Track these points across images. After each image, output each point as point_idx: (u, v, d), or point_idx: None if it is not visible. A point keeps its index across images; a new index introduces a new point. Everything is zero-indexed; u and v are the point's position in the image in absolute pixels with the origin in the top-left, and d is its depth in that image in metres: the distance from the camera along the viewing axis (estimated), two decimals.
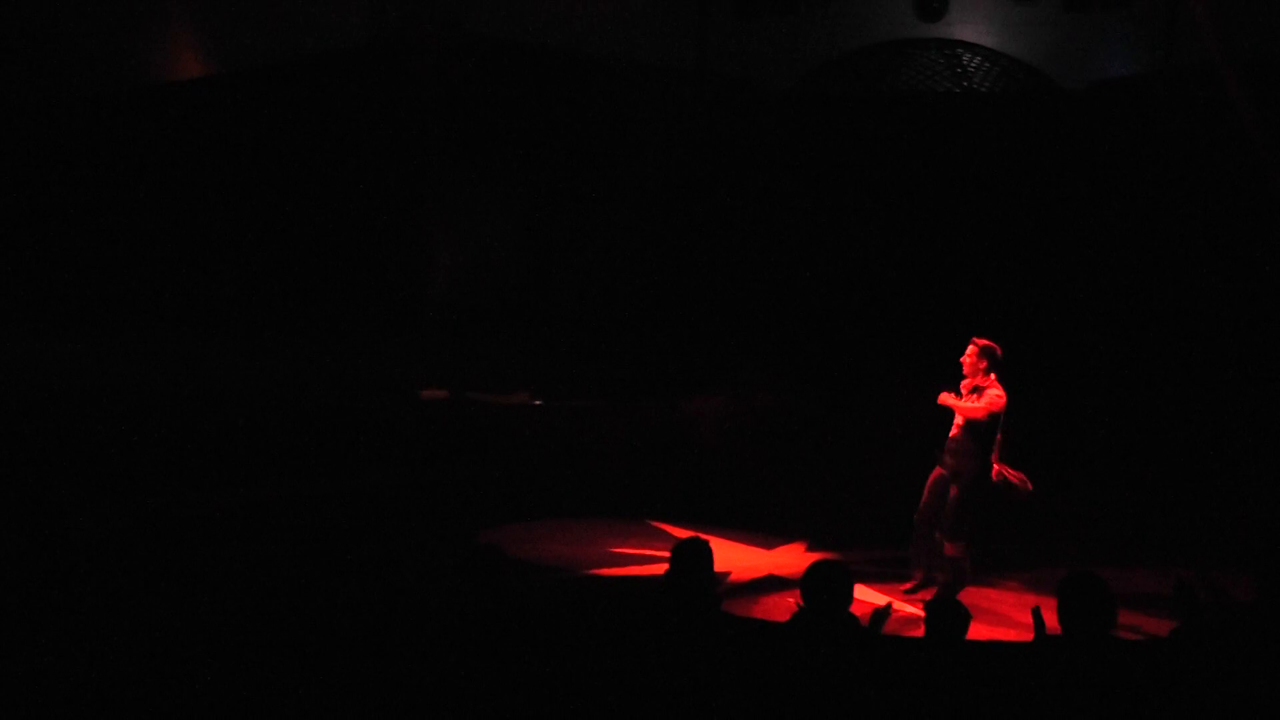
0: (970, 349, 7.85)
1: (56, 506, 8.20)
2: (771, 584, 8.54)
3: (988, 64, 11.81)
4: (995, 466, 7.81)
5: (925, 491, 8.02)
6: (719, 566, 5.34)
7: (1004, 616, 7.75)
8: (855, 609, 4.90)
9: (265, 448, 10.50)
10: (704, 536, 5.24)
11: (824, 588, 4.82)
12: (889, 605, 5.23)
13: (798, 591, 4.87)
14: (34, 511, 7.95)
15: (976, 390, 7.79)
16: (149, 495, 8.89)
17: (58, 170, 11.91)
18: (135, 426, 10.23)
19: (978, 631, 5.94)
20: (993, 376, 7.79)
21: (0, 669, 4.59)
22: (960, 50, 11.67)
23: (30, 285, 11.70)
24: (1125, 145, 11.23)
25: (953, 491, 7.83)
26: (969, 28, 11.73)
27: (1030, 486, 7.87)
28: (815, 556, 8.48)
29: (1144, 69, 11.38)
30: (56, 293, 11.73)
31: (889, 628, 5.20)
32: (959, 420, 7.87)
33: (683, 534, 5.88)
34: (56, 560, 6.07)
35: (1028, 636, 4.90)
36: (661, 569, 5.24)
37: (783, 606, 7.58)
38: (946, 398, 7.84)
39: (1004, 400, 7.72)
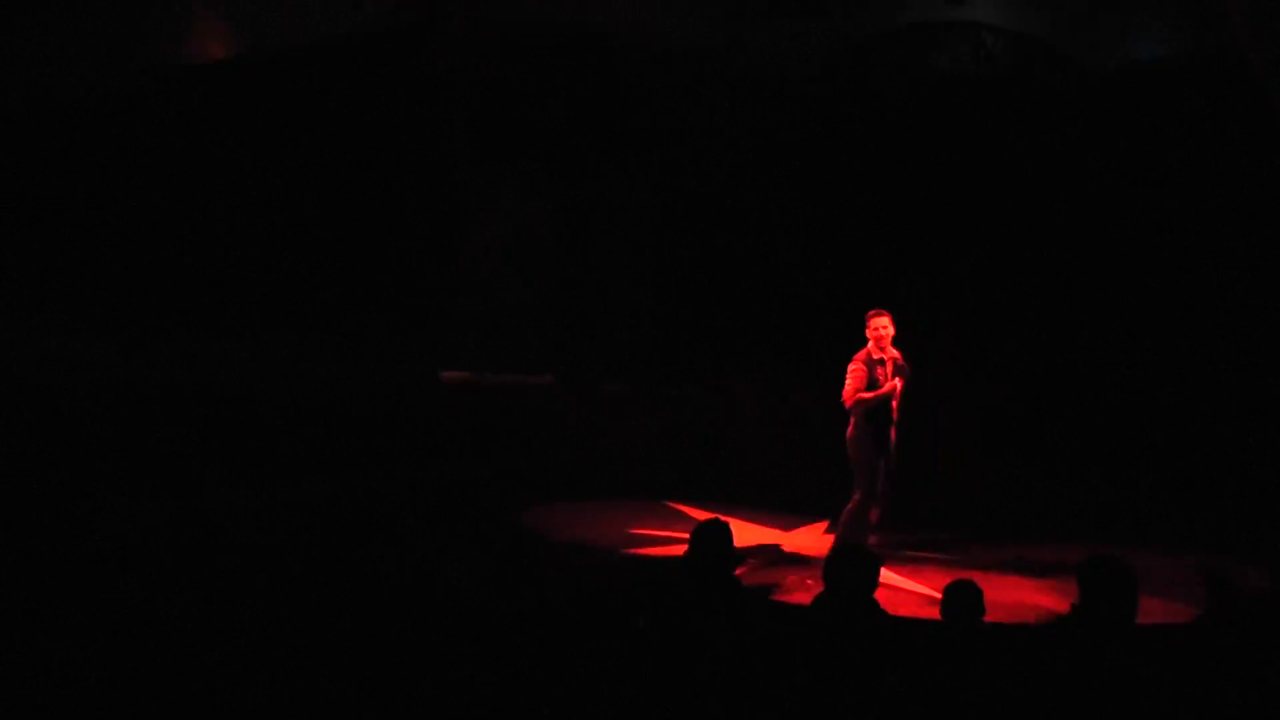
0: (886, 320, 7.96)
1: (87, 505, 8.25)
2: (792, 565, 8.57)
3: (1012, 47, 11.70)
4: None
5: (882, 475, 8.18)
6: (739, 547, 5.36)
7: (1011, 606, 7.77)
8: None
9: (289, 445, 10.55)
10: (724, 518, 5.26)
11: (847, 572, 4.81)
12: None
13: (817, 572, 4.87)
14: (63, 510, 8.00)
15: (891, 363, 7.97)
16: (180, 494, 8.93)
17: (77, 164, 11.75)
18: (164, 425, 10.27)
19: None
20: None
21: (23, 665, 4.62)
22: (985, 33, 11.59)
23: (53, 281, 11.62)
24: (1151, 130, 11.14)
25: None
26: (995, 10, 11.63)
27: None
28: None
29: (1173, 53, 11.27)
30: (80, 289, 11.62)
31: (907, 610, 5.21)
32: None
33: (702, 516, 5.90)
34: (85, 558, 6.10)
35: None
36: (681, 550, 5.26)
37: (803, 588, 7.62)
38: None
39: None
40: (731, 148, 12.08)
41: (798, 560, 8.70)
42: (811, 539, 9.41)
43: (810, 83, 12.11)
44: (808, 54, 12.02)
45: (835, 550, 4.89)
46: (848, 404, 7.95)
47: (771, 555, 8.85)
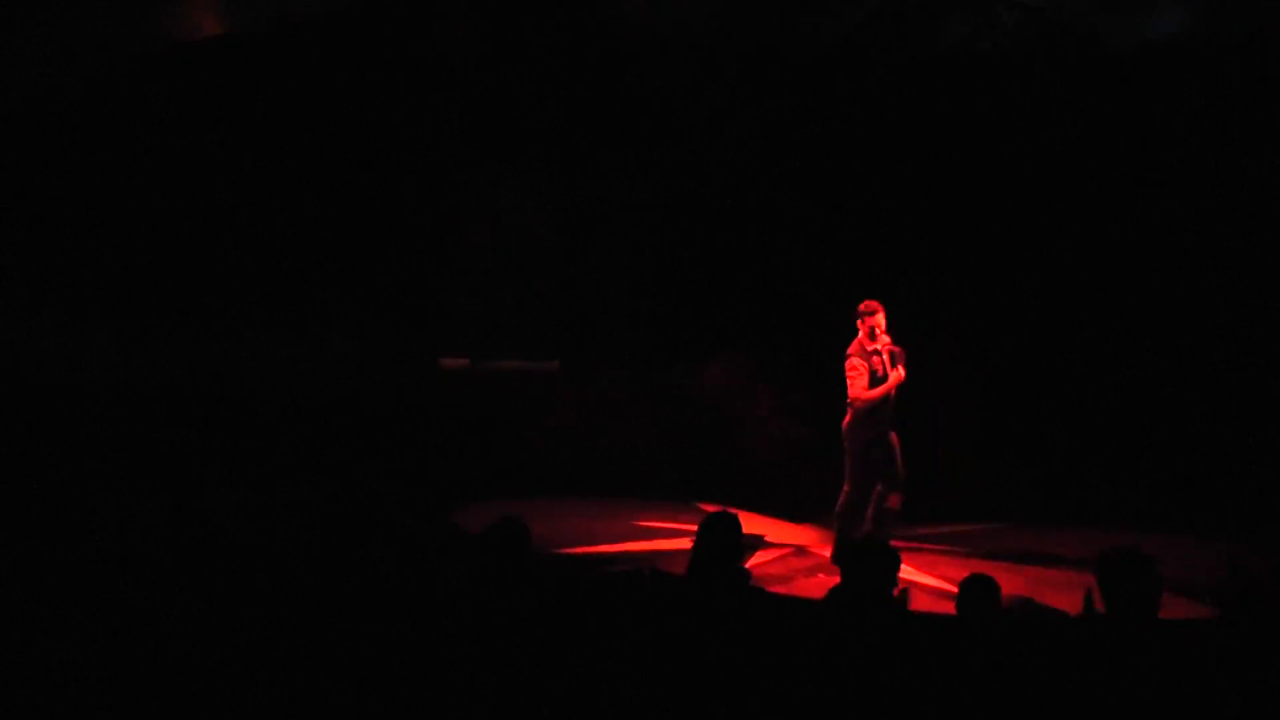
0: (879, 311, 8.03)
1: (87, 505, 8.19)
2: (804, 559, 8.50)
3: (1028, 21, 11.60)
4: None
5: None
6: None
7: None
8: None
9: (289, 445, 10.50)
10: (732, 510, 5.19)
11: (869, 567, 4.73)
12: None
13: (823, 565, 4.80)
14: (63, 510, 7.94)
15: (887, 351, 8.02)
16: (180, 494, 8.87)
17: (76, 163, 11.59)
18: (164, 425, 10.23)
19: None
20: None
21: (23, 665, 4.56)
22: (1000, 8, 11.52)
23: (53, 281, 11.51)
24: (1171, 109, 11.05)
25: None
26: None
27: None
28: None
29: (1193, 30, 11.19)
30: (80, 288, 11.50)
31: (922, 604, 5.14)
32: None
33: (711, 507, 5.85)
34: (85, 558, 6.03)
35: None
36: (689, 543, 5.18)
37: (815, 583, 7.55)
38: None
39: None
40: (732, 147, 12.04)
41: (800, 553, 8.67)
42: (811, 533, 9.37)
43: (811, 78, 12.06)
44: (808, 49, 11.97)
45: (851, 544, 4.82)
46: (858, 403, 7.94)
47: (759, 545, 8.82)
